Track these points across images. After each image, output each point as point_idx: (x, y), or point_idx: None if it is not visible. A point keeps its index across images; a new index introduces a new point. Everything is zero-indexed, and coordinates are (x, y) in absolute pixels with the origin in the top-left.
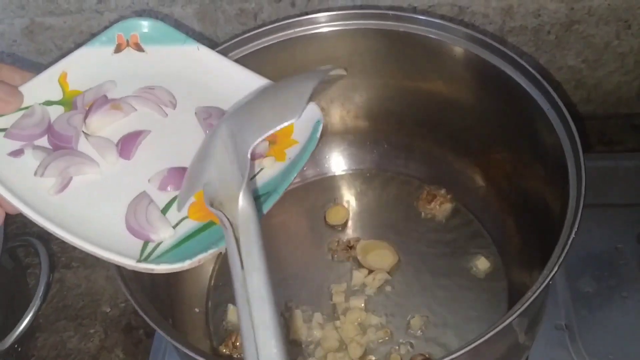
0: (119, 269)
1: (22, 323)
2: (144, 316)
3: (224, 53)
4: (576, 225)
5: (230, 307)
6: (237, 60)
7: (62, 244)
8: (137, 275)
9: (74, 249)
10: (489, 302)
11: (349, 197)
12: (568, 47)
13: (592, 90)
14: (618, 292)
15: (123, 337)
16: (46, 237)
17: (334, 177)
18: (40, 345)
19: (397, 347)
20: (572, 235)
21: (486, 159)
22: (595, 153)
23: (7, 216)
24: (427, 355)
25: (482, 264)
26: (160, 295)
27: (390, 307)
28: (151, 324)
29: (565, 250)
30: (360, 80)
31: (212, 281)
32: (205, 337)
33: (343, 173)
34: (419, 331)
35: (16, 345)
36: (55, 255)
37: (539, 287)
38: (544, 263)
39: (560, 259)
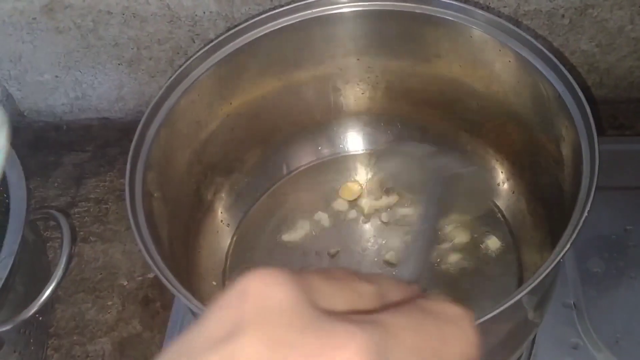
0: (142, 237)
1: (44, 293)
2: (166, 283)
3: (241, 33)
4: (588, 205)
5: None
6: (254, 41)
7: (80, 218)
8: (157, 246)
9: (92, 223)
10: (499, 281)
11: (362, 176)
12: (582, 31)
13: (604, 75)
14: (626, 272)
15: (140, 309)
16: (67, 210)
17: (348, 157)
18: (59, 316)
19: None
20: (585, 214)
21: (499, 140)
22: (607, 137)
23: (28, 190)
24: None
25: (493, 243)
26: (179, 267)
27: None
28: (173, 291)
29: (577, 230)
30: (376, 62)
31: (230, 254)
32: None
33: (357, 153)
34: None
35: (37, 315)
36: (73, 230)
37: (550, 264)
38: (555, 243)
39: (572, 238)
